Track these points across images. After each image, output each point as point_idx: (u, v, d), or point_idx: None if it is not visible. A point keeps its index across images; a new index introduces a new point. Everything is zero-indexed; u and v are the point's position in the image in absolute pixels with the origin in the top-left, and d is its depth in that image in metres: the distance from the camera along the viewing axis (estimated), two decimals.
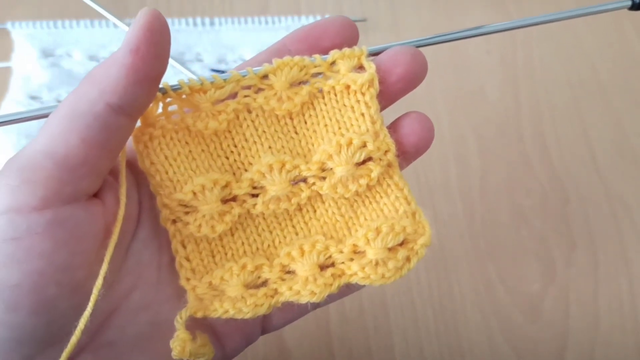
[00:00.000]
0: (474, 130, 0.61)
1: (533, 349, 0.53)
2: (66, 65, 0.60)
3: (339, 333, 0.53)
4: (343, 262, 0.33)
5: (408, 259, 0.33)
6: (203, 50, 0.62)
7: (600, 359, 0.53)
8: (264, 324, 0.36)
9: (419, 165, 0.59)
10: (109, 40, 0.61)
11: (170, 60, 0.58)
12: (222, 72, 0.65)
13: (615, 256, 0.56)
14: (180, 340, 0.30)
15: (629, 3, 0.37)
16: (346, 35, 0.34)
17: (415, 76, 0.33)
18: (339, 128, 0.34)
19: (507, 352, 0.53)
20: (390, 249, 0.33)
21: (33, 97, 0.59)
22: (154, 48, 0.27)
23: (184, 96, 0.32)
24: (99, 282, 0.28)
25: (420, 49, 0.35)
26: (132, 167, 0.33)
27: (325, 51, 0.34)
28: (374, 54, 0.34)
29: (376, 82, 0.33)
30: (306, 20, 0.63)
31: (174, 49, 0.61)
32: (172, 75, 0.59)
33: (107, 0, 0.60)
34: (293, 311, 0.35)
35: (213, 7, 0.66)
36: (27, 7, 0.64)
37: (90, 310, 0.28)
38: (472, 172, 0.59)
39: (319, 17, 0.63)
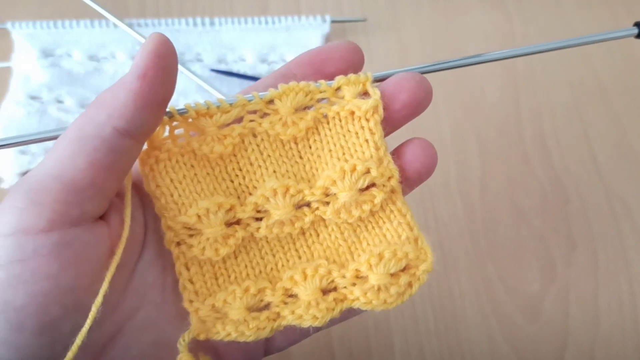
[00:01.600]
0: (474, 131, 0.61)
1: (533, 349, 0.53)
2: (66, 65, 0.60)
3: (339, 333, 0.53)
4: (345, 287, 0.33)
5: (410, 284, 0.34)
6: (203, 50, 0.62)
7: (600, 359, 0.53)
8: (267, 346, 0.36)
9: None
10: (109, 40, 0.61)
11: None
12: (222, 72, 0.65)
13: (615, 256, 0.56)
14: None
15: (636, 31, 0.38)
16: (351, 60, 0.34)
17: (419, 103, 0.33)
18: (343, 154, 0.34)
19: (507, 352, 0.53)
20: (392, 275, 0.33)
21: (33, 97, 0.59)
22: (162, 73, 0.28)
23: (190, 120, 0.32)
24: (98, 300, 0.28)
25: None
26: (138, 189, 0.33)
27: (330, 76, 0.34)
28: (380, 79, 0.34)
29: (380, 109, 0.33)
30: (306, 21, 0.63)
31: None
32: None
33: (107, 0, 0.60)
34: (295, 333, 0.35)
35: (213, 7, 0.66)
36: (27, 7, 0.64)
37: (88, 327, 0.27)
38: (472, 172, 0.59)
39: (318, 18, 0.63)
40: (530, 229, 0.57)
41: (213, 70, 0.61)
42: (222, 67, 0.62)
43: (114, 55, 0.61)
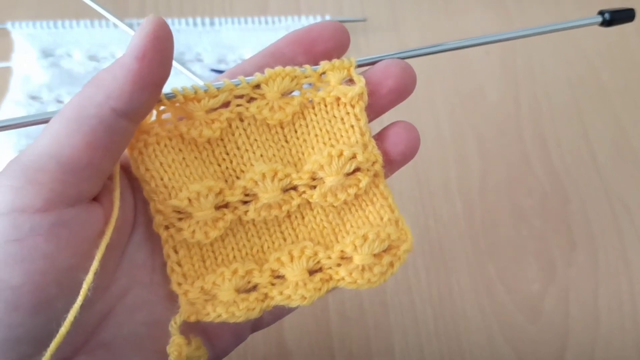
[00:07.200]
0: (473, 130, 0.61)
1: (533, 349, 0.53)
2: (66, 65, 0.60)
3: (339, 333, 0.53)
4: (331, 267, 0.34)
5: (392, 264, 0.35)
6: (203, 50, 0.62)
7: (600, 359, 0.53)
8: (254, 323, 0.37)
9: (419, 165, 0.59)
10: (109, 40, 0.61)
11: None
12: (222, 72, 0.65)
13: (615, 256, 0.57)
14: (176, 345, 0.31)
15: (600, 19, 0.40)
16: (339, 39, 0.35)
17: (405, 88, 0.34)
18: (329, 139, 0.35)
19: (507, 352, 0.53)
20: (375, 255, 0.34)
21: (33, 97, 0.59)
22: (159, 55, 0.28)
23: (177, 104, 0.32)
24: (89, 277, 0.28)
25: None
26: (127, 172, 0.33)
27: (319, 55, 0.35)
28: (362, 65, 0.35)
29: (365, 96, 0.34)
30: (306, 21, 0.63)
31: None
32: (173, 76, 0.59)
33: (107, 0, 0.60)
34: (282, 310, 0.36)
35: (213, 7, 0.66)
36: (27, 7, 0.64)
37: (80, 302, 0.28)
38: (472, 172, 0.59)
39: (319, 18, 0.63)
40: (530, 229, 0.57)
41: (213, 70, 0.61)
42: (222, 67, 0.62)
43: (114, 55, 0.61)
